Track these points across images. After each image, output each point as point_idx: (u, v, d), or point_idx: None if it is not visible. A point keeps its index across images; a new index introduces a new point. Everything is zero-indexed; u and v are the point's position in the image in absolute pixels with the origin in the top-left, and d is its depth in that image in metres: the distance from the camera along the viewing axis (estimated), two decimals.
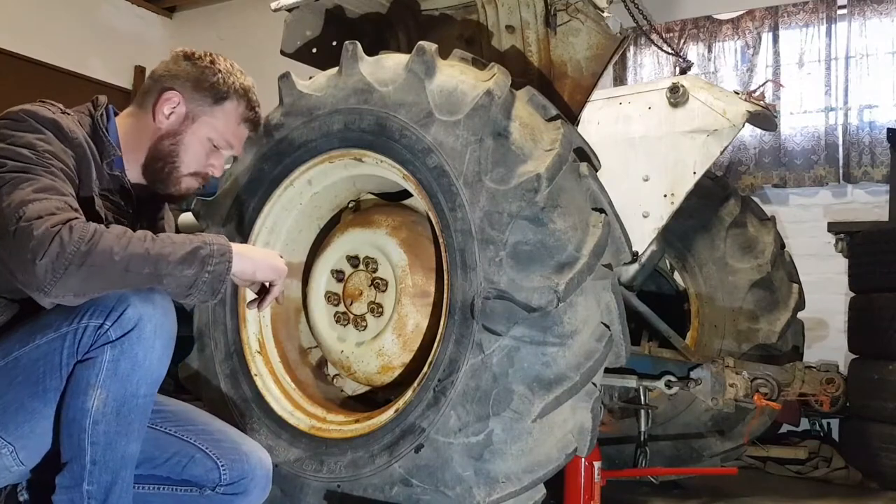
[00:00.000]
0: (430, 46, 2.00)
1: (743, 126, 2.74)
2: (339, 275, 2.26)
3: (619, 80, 5.31)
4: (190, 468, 1.71)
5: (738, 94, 2.86)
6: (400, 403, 1.97)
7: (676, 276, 3.55)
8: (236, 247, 1.59)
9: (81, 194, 1.61)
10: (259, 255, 1.68)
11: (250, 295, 1.83)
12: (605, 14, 2.38)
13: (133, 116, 1.80)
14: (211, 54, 1.82)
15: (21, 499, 1.68)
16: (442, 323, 1.93)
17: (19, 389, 1.48)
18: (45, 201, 1.43)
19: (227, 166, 2.39)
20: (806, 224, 4.78)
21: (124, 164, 1.76)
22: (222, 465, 1.70)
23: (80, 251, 1.37)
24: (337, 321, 2.25)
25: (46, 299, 1.40)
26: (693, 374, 2.75)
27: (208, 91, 1.77)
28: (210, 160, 1.81)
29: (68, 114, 1.66)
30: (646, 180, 2.77)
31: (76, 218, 1.42)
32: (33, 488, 1.67)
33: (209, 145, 1.79)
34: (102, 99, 1.78)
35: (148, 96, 1.78)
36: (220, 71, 1.79)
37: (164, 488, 1.72)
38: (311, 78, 2.27)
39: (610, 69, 3.66)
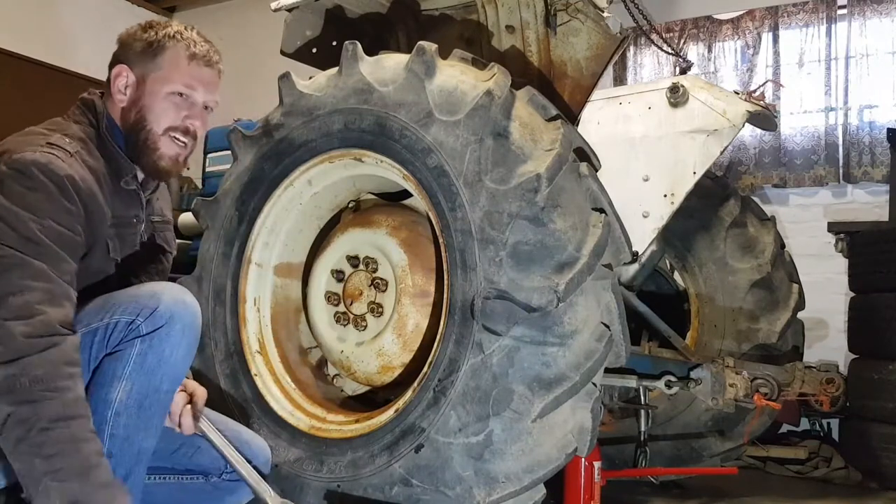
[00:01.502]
0: (430, 46, 2.00)
1: (743, 126, 2.75)
2: (339, 275, 2.26)
3: (619, 80, 5.30)
4: (196, 458, 1.74)
5: (738, 94, 2.86)
6: (400, 403, 1.97)
7: (676, 276, 3.55)
8: None
9: (92, 244, 1.61)
10: None
11: None
12: (605, 14, 2.39)
13: (111, 111, 1.79)
14: (145, 22, 1.80)
15: (24, 495, 1.68)
16: (442, 323, 1.93)
17: None
18: (27, 293, 1.40)
19: (224, 172, 2.40)
20: (806, 224, 4.78)
21: None
22: None
23: (23, 391, 1.34)
24: (337, 321, 2.25)
25: None
26: (693, 374, 2.75)
27: (145, 50, 1.74)
28: (182, 113, 1.74)
29: (78, 153, 1.61)
30: (646, 180, 2.77)
31: (53, 335, 1.39)
32: None
33: (172, 98, 1.73)
34: (99, 105, 1.75)
35: (106, 84, 1.78)
36: (149, 28, 1.77)
37: (169, 478, 1.74)
38: (311, 78, 2.27)
39: (610, 69, 3.66)
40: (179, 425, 1.67)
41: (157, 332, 1.47)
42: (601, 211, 1.92)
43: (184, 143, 1.75)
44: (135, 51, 1.74)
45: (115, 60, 1.76)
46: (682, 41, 5.18)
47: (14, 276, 1.40)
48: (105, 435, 1.46)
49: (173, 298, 1.49)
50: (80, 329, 1.49)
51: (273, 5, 2.67)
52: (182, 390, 1.67)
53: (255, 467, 1.74)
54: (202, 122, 1.77)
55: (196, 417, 1.67)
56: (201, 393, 1.70)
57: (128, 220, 1.76)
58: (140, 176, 1.78)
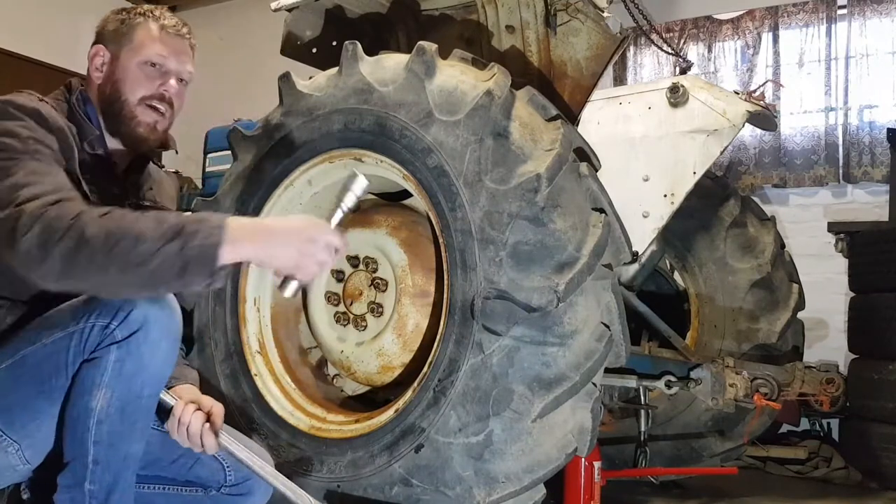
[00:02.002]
0: (430, 46, 2.00)
1: (743, 126, 2.75)
2: (339, 275, 2.26)
3: (619, 80, 5.30)
4: (196, 469, 1.72)
5: (738, 94, 2.86)
6: (400, 403, 1.97)
7: (676, 276, 3.55)
8: (246, 223, 1.42)
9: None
10: (282, 236, 1.43)
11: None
12: (605, 14, 2.39)
13: (88, 92, 1.82)
14: (119, 7, 1.85)
15: (24, 497, 1.68)
16: (442, 323, 1.93)
17: (26, 388, 1.48)
18: (35, 185, 1.42)
19: (224, 172, 2.39)
20: (806, 224, 4.78)
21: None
22: (228, 467, 1.71)
23: (62, 227, 1.33)
24: (337, 321, 2.25)
25: (33, 279, 1.37)
26: (693, 374, 2.75)
27: (119, 28, 1.78)
28: (156, 82, 1.76)
29: (46, 101, 1.67)
30: (646, 180, 2.77)
31: (67, 199, 1.40)
32: (35, 487, 1.67)
33: (145, 69, 1.75)
34: (75, 84, 1.79)
35: (87, 70, 1.82)
36: (122, 10, 1.81)
37: (169, 489, 1.72)
38: (311, 78, 2.28)
39: (610, 69, 3.66)
40: (201, 445, 1.61)
41: (133, 337, 1.43)
42: (601, 211, 1.92)
43: (160, 110, 1.76)
44: (109, 30, 1.78)
45: (93, 44, 1.80)
46: (682, 41, 5.18)
47: (18, 174, 1.42)
48: (89, 443, 1.44)
49: (148, 300, 1.45)
50: (57, 333, 1.47)
51: (273, 5, 2.67)
52: (198, 409, 1.63)
53: (255, 480, 1.72)
54: (177, 91, 1.78)
55: (216, 434, 1.62)
56: (218, 410, 1.65)
57: (100, 182, 1.75)
58: (111, 147, 1.79)
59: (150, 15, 1.79)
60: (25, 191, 1.40)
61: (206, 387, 2.25)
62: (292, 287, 1.44)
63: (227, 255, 1.35)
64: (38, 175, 1.45)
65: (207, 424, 1.60)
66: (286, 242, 1.42)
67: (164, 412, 1.61)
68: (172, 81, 1.77)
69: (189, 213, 1.44)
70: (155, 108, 1.75)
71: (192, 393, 1.71)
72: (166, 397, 1.61)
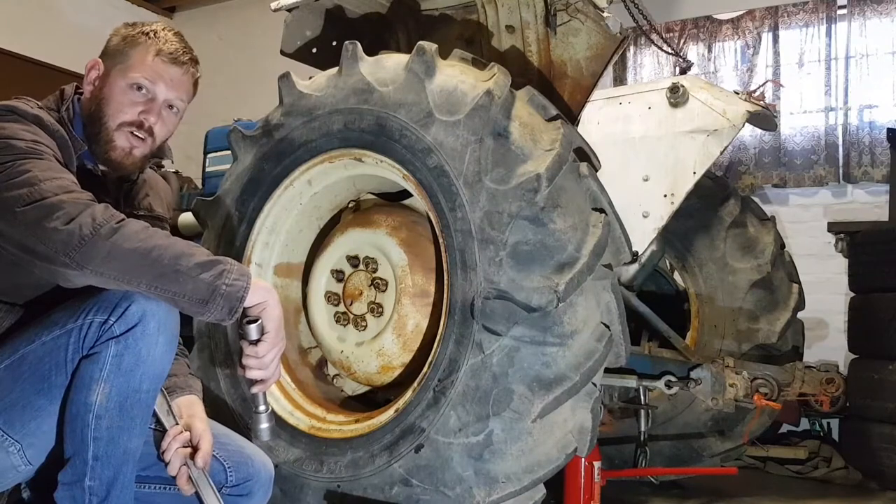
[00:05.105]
0: (430, 46, 2.00)
1: (743, 126, 2.74)
2: (339, 275, 2.26)
3: (619, 80, 5.30)
4: None
5: (738, 94, 2.86)
6: (400, 403, 1.97)
7: (676, 276, 3.55)
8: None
9: None
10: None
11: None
12: (605, 14, 2.38)
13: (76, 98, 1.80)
14: (133, 21, 1.84)
15: (24, 496, 1.69)
16: (442, 323, 1.93)
17: (25, 387, 1.49)
18: (59, 180, 1.46)
19: (224, 172, 2.39)
20: (806, 224, 4.78)
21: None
22: (229, 467, 1.70)
23: (109, 225, 1.40)
24: (337, 321, 2.25)
25: (65, 269, 1.40)
26: (693, 374, 2.75)
27: (119, 44, 1.76)
28: (138, 108, 1.73)
29: (43, 109, 1.68)
30: (646, 180, 2.77)
31: (95, 199, 1.45)
32: (35, 486, 1.67)
33: (130, 92, 1.72)
34: (68, 91, 1.77)
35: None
36: (131, 25, 1.79)
37: (169, 488, 1.72)
38: (311, 78, 2.28)
39: (610, 69, 3.66)
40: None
41: (131, 332, 1.44)
42: (601, 211, 1.92)
43: (140, 137, 1.74)
44: (111, 45, 1.77)
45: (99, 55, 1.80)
46: (682, 41, 5.17)
47: (35, 170, 1.46)
48: (89, 438, 1.44)
49: (145, 296, 1.46)
50: (56, 330, 1.48)
51: (273, 5, 2.67)
52: (183, 445, 1.61)
53: (256, 482, 1.72)
54: (158, 119, 1.74)
55: (190, 478, 1.59)
56: (205, 447, 1.61)
57: (91, 190, 1.74)
58: (99, 166, 1.79)
59: (154, 36, 1.75)
60: (50, 183, 1.44)
61: (207, 387, 2.25)
62: (256, 328, 1.51)
63: (251, 297, 1.45)
64: (55, 171, 1.49)
65: (184, 468, 1.59)
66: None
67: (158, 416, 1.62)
68: (157, 108, 1.74)
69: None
70: (133, 135, 1.73)
71: (191, 409, 1.71)
72: (163, 416, 1.62)
